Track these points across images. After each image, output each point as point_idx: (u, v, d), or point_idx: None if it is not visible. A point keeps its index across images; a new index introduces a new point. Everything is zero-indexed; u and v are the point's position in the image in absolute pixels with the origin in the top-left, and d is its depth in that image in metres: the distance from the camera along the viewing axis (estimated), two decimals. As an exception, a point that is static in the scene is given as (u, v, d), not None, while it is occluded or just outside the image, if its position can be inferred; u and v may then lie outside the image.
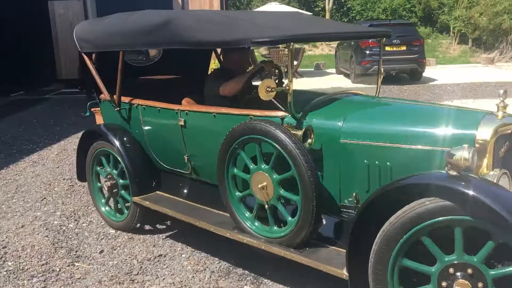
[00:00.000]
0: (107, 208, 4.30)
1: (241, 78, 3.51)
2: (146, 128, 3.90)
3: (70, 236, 4.10)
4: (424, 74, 13.79)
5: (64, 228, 4.28)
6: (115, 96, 4.00)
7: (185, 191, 3.84)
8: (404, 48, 13.03)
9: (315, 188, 2.67)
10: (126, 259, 3.66)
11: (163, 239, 3.95)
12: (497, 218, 2.00)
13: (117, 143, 3.90)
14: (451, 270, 2.19)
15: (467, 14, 21.94)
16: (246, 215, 3.11)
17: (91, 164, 4.28)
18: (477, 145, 2.48)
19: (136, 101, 3.91)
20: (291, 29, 3.17)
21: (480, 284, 2.12)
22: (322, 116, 2.94)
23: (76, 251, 3.82)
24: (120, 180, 4.03)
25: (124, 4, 14.20)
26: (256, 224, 3.07)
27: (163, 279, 3.34)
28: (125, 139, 3.95)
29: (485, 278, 2.11)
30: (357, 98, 3.38)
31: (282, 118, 2.98)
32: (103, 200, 4.32)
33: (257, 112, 3.10)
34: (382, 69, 3.69)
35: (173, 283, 3.28)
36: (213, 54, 4.90)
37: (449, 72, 15.59)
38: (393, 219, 2.29)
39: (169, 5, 14.77)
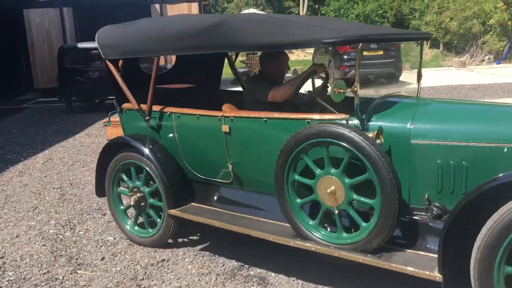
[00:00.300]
0: (129, 222, 4.09)
1: (293, 82, 3.43)
2: (180, 137, 3.73)
3: (68, 245, 4.07)
4: (400, 78, 14.12)
5: (60, 236, 4.24)
6: (143, 105, 3.83)
7: (221, 200, 3.69)
8: (381, 52, 13.33)
9: (397, 190, 2.62)
10: (129, 265, 3.65)
11: (163, 244, 3.96)
12: None
13: (149, 153, 3.68)
14: None
15: (438, 19, 22.55)
16: (310, 223, 3.00)
17: (113, 177, 4.04)
18: None
19: (169, 109, 3.74)
20: (348, 30, 3.06)
21: None
22: (388, 118, 2.89)
23: (76, 259, 3.79)
24: (148, 192, 3.84)
25: (101, 12, 14.14)
26: (321, 231, 2.97)
27: (170, 283, 3.36)
28: (156, 149, 3.75)
29: None
30: (411, 100, 3.31)
31: (347, 121, 2.90)
32: (128, 219, 4.11)
33: (316, 116, 3.02)
34: (421, 71, 3.66)
35: (180, 286, 3.30)
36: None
37: (424, 75, 15.96)
38: (491, 223, 2.30)
39: (148, 13, 14.75)
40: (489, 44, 19.66)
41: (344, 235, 2.90)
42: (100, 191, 4.16)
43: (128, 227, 4.08)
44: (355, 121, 2.90)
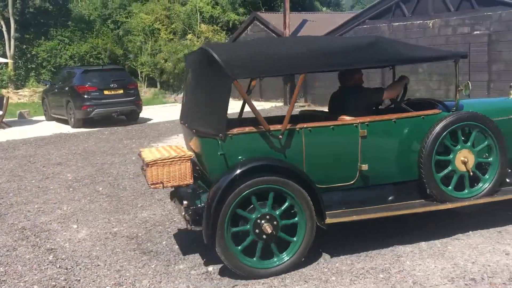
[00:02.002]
0: (251, 259, 3.85)
1: (398, 86, 4.66)
2: (308, 150, 4.00)
3: None
4: (140, 115, 14.79)
5: None
6: (277, 126, 3.92)
7: (345, 201, 4.18)
8: (121, 91, 13.75)
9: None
10: None
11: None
12: None
13: (288, 174, 3.82)
14: None
15: (153, 60, 24.40)
16: (449, 188, 4.31)
17: (232, 207, 3.76)
18: None
19: (301, 125, 3.99)
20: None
21: None
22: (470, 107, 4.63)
23: None
24: (279, 215, 3.84)
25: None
26: (457, 193, 4.35)
27: None
28: (294, 168, 3.87)
29: None
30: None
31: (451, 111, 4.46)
32: (246, 257, 3.83)
33: (429, 112, 4.38)
34: (459, 85, 4.57)
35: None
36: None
37: (156, 111, 17.09)
38: None
39: None
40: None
41: (473, 189, 4.41)
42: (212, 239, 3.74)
43: (249, 263, 3.85)
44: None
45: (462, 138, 4.31)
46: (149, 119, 14.88)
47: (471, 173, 4.36)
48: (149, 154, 4.30)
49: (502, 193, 4.50)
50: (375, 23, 14.46)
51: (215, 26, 24.78)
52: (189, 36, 23.69)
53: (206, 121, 4.04)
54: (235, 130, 3.92)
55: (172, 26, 25.17)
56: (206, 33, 23.57)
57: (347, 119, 4.19)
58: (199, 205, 3.92)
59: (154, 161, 4.02)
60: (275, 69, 4.15)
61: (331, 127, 4.09)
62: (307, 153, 4.02)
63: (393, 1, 13.92)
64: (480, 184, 4.44)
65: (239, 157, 3.91)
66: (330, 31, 15.78)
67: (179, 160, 4.08)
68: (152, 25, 25.19)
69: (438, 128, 4.19)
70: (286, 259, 3.92)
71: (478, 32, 11.87)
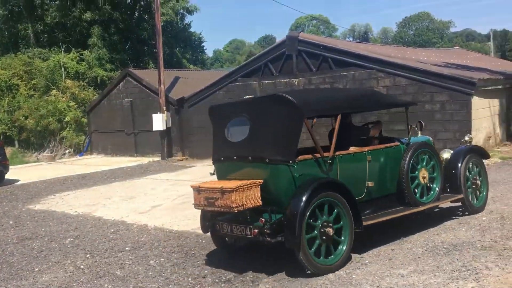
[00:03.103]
0: (318, 258, 5.00)
1: (377, 126, 6.64)
2: (340, 171, 5.51)
3: None
4: (6, 176, 13.55)
5: None
6: (326, 153, 5.42)
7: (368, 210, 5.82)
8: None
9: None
10: None
11: None
12: None
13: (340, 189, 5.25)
14: None
15: (11, 117, 22.58)
16: (417, 196, 6.24)
17: (307, 218, 4.92)
18: None
19: (338, 153, 5.53)
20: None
21: None
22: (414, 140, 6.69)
23: None
24: (332, 220, 5.13)
25: None
26: (422, 199, 6.28)
27: None
28: (343, 185, 5.32)
29: None
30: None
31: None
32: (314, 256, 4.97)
33: (397, 143, 6.36)
34: (411, 124, 6.69)
35: None
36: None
37: (21, 172, 15.72)
38: None
39: None
40: (68, 139, 21.31)
41: (428, 196, 6.34)
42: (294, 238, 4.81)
43: (318, 261, 4.98)
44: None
45: (421, 159, 6.29)
46: (16, 180, 13.71)
47: (428, 185, 6.34)
48: (218, 184, 5.22)
49: (443, 198, 6.56)
50: (246, 81, 15.58)
51: (81, 81, 24.06)
52: (54, 92, 22.58)
53: (278, 151, 5.17)
54: (300, 157, 5.21)
55: (33, 82, 23.78)
56: (72, 88, 22.73)
57: (356, 148, 5.90)
58: (275, 220, 4.94)
59: (238, 187, 4.90)
60: (328, 110, 5.82)
61: (352, 154, 5.79)
62: (340, 173, 5.52)
63: (262, 62, 15.24)
64: (431, 192, 6.41)
65: (304, 178, 5.11)
66: (206, 87, 16.54)
67: (253, 185, 5.05)
68: (10, 80, 23.51)
69: (409, 153, 6.12)
70: (340, 256, 5.17)
71: (337, 89, 13.57)
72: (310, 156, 5.33)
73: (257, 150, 5.27)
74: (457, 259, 5.04)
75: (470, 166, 6.93)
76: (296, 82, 14.42)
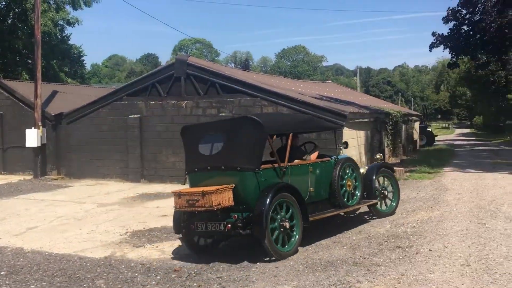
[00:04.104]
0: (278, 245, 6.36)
1: (317, 148, 8.21)
2: (291, 178, 6.90)
3: None
4: None
5: None
6: (281, 164, 6.86)
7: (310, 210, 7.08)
8: None
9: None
10: None
11: None
12: None
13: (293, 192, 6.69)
14: None
15: None
16: (345, 199, 7.78)
17: (271, 213, 6.24)
18: None
19: (289, 164, 6.97)
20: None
21: None
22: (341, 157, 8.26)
23: None
24: (289, 217, 6.54)
25: None
26: (347, 202, 7.79)
27: None
28: (295, 188, 6.78)
29: None
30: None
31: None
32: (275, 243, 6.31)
33: (329, 158, 7.91)
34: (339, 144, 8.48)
35: None
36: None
37: None
38: None
39: None
40: None
41: (352, 200, 7.91)
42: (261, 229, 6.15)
43: (278, 248, 6.34)
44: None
45: (347, 171, 7.88)
46: None
47: (352, 191, 7.93)
48: (199, 189, 6.31)
49: (362, 203, 8.26)
50: (132, 100, 15.37)
51: None
52: None
53: (247, 161, 6.45)
54: (263, 166, 6.65)
55: None
56: None
57: (300, 161, 7.41)
58: (245, 217, 6.26)
59: (217, 189, 6.15)
60: (283, 129, 7.51)
61: (299, 165, 7.25)
62: (291, 180, 6.94)
63: (150, 82, 15.20)
64: (355, 197, 8.05)
65: (266, 183, 6.49)
66: (88, 103, 15.94)
67: (228, 188, 6.30)
68: None
69: (339, 166, 7.72)
70: (293, 246, 6.56)
71: (223, 113, 14.05)
72: (270, 165, 6.80)
73: (229, 161, 6.50)
74: (333, 274, 5.60)
75: (382, 179, 8.85)
76: (183, 105, 14.61)
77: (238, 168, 6.37)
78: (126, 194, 12.84)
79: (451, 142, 34.29)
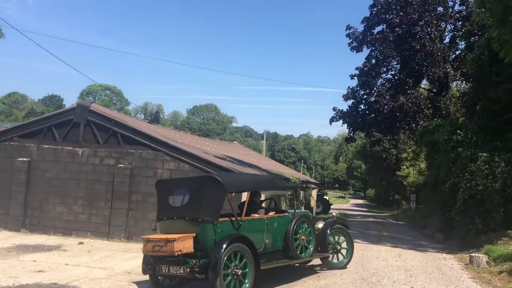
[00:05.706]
0: None
1: (275, 207, 9.64)
2: (247, 230, 7.81)
3: None
4: None
5: None
6: (238, 217, 7.78)
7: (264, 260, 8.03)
8: None
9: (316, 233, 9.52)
10: None
11: None
12: None
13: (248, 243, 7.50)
14: None
15: None
16: (298, 252, 8.64)
17: (225, 260, 7.03)
18: None
19: (245, 218, 7.90)
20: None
21: None
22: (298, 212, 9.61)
23: None
24: (242, 266, 7.31)
25: None
26: (301, 254, 8.76)
27: None
28: (249, 240, 7.59)
29: None
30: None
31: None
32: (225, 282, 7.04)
33: (286, 214, 8.96)
34: (297, 202, 10.49)
35: None
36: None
37: None
38: None
39: None
40: None
41: (305, 252, 8.85)
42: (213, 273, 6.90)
43: None
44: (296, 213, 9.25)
45: (302, 226, 8.76)
46: None
47: (306, 245, 8.77)
48: (163, 236, 7.21)
49: (315, 256, 9.23)
50: (24, 142, 14.35)
51: None
52: None
53: (207, 213, 7.26)
54: (221, 219, 7.41)
55: None
56: None
57: (258, 216, 8.31)
58: (202, 263, 7.00)
59: (179, 237, 6.93)
60: (243, 188, 8.95)
61: (256, 219, 8.16)
62: (248, 232, 7.75)
63: (45, 125, 14.35)
64: (308, 250, 8.93)
65: (223, 234, 7.26)
66: (-29, 141, 14.55)
67: (189, 237, 7.09)
68: None
69: (294, 221, 8.65)
70: None
71: (122, 165, 13.55)
72: (228, 218, 7.61)
73: (193, 212, 7.33)
74: None
75: (338, 235, 9.91)
76: (80, 152, 13.91)
77: (199, 219, 7.19)
78: (1, 245, 11.60)
79: (345, 212, 35.89)
